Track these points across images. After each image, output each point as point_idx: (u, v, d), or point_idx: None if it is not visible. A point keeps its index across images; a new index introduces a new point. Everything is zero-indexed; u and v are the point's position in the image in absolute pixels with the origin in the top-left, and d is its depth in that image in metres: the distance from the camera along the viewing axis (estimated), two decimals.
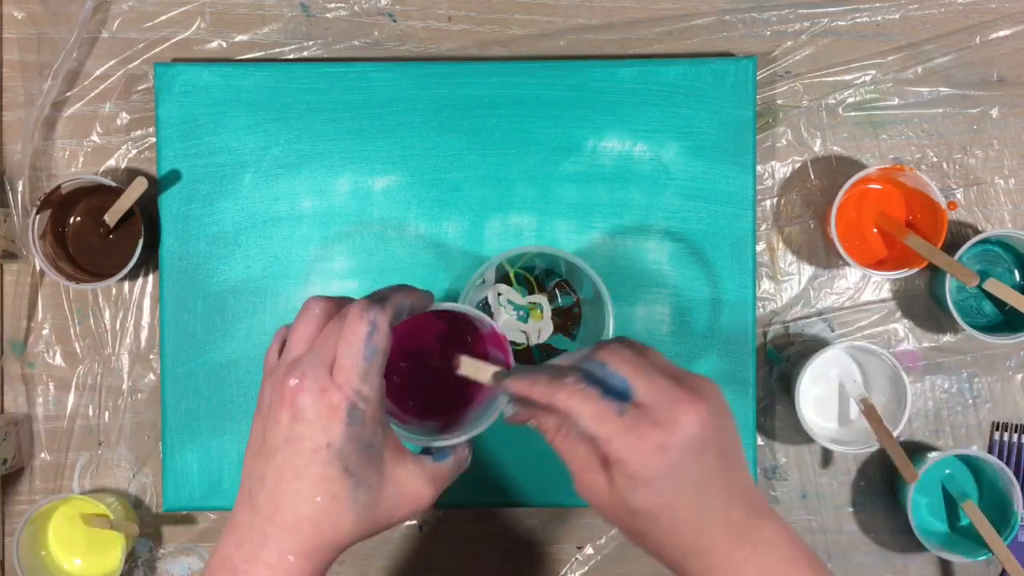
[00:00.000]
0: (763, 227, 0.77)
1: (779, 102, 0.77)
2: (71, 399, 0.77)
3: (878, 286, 0.77)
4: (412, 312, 0.50)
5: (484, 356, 0.55)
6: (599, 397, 0.47)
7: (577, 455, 0.49)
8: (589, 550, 0.77)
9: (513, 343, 0.72)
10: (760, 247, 0.77)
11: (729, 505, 0.48)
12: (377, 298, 0.48)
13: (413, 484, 0.50)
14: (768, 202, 0.77)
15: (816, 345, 0.75)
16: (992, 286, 0.70)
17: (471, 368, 0.52)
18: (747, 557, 0.47)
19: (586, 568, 0.77)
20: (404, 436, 0.52)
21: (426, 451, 0.52)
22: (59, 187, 0.72)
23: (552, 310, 0.71)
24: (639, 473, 0.46)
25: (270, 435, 0.48)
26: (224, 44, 0.77)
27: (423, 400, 0.57)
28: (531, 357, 0.72)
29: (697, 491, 0.47)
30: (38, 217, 0.72)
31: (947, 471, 0.76)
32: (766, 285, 0.77)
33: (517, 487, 0.74)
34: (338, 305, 0.50)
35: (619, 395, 0.47)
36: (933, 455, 0.73)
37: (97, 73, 0.77)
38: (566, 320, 0.73)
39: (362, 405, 0.47)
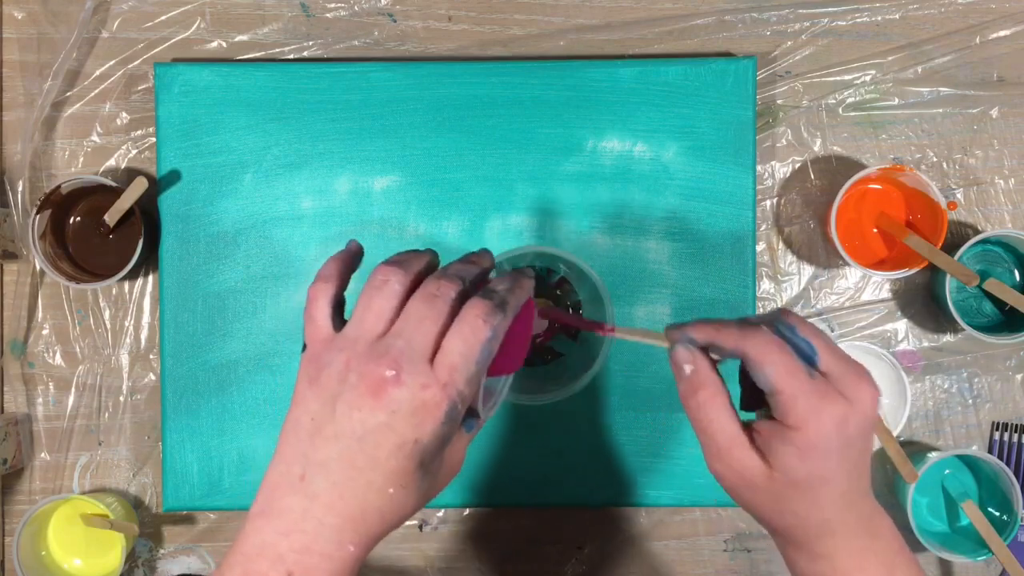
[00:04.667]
0: (763, 227, 0.77)
1: (779, 102, 0.77)
2: (71, 399, 0.77)
3: (878, 286, 0.77)
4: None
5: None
6: (793, 353, 0.46)
7: (729, 426, 0.47)
8: (589, 550, 0.77)
9: None
10: (760, 247, 0.77)
11: (862, 494, 0.48)
12: (498, 301, 0.46)
13: (456, 457, 0.49)
14: (768, 202, 0.77)
15: None
16: (992, 286, 0.70)
17: (628, 334, 0.52)
18: (867, 547, 0.49)
19: (586, 568, 0.77)
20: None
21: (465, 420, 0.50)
22: (59, 187, 0.72)
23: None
24: (815, 442, 0.45)
25: (343, 419, 0.44)
26: (224, 44, 0.77)
27: None
28: (530, 360, 0.72)
29: (852, 472, 0.47)
30: (38, 217, 0.72)
31: (947, 471, 0.76)
32: (766, 285, 0.77)
33: (517, 487, 0.74)
34: (413, 276, 0.47)
35: (805, 359, 0.46)
36: (933, 455, 0.73)
37: (97, 73, 0.77)
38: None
39: (460, 407, 0.44)
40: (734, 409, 0.48)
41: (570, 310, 0.72)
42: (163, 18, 0.77)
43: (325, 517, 0.44)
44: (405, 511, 0.46)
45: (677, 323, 0.50)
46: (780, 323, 0.48)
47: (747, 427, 0.47)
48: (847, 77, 0.77)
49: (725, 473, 0.48)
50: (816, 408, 0.45)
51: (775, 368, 0.45)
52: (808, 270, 0.78)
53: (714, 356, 0.50)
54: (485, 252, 0.51)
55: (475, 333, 0.44)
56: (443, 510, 0.77)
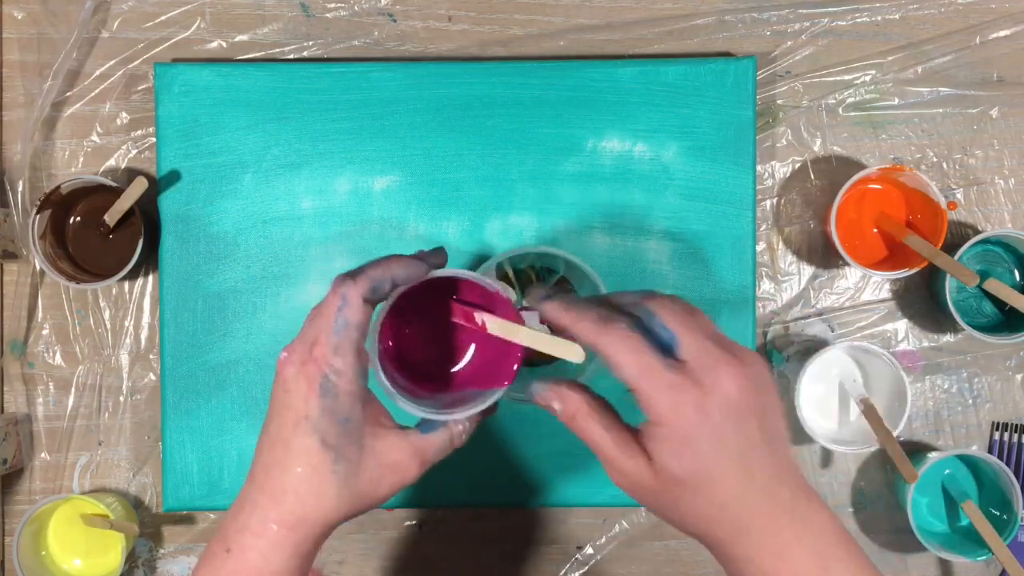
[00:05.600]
0: (763, 227, 0.77)
1: (779, 102, 0.77)
2: (71, 399, 0.77)
3: (878, 286, 0.77)
4: (406, 282, 0.49)
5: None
6: (648, 348, 0.45)
7: (606, 438, 0.48)
8: (589, 550, 0.77)
9: None
10: (760, 247, 0.77)
11: (775, 481, 0.45)
12: (351, 272, 0.48)
13: (395, 456, 0.49)
14: (768, 202, 0.77)
15: (816, 345, 0.75)
16: (992, 286, 0.70)
17: (499, 327, 0.51)
18: (795, 538, 0.45)
19: (586, 568, 0.77)
20: (407, 407, 0.51)
21: (422, 423, 0.51)
22: (59, 187, 0.72)
23: None
24: (679, 434, 0.44)
25: (268, 408, 0.49)
26: (224, 44, 0.77)
27: (442, 372, 0.56)
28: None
29: (741, 460, 0.45)
30: (38, 217, 0.72)
31: (947, 471, 0.76)
32: (766, 285, 0.77)
33: (517, 487, 0.74)
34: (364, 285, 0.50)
35: (664, 348, 0.46)
36: (933, 455, 0.73)
37: (97, 73, 0.77)
38: None
39: (334, 378, 0.47)
40: (610, 417, 0.48)
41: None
42: (163, 18, 0.77)
43: (256, 497, 0.49)
44: (323, 497, 0.47)
45: (539, 290, 0.50)
46: (640, 309, 0.47)
47: (634, 431, 0.47)
48: (847, 77, 0.77)
49: (619, 481, 0.48)
50: (672, 401, 0.44)
51: (629, 368, 0.45)
52: (808, 270, 0.78)
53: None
54: (420, 262, 0.51)
55: (328, 305, 0.47)
56: (443, 510, 0.77)
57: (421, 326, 0.56)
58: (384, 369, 0.50)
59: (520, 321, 0.52)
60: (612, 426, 0.48)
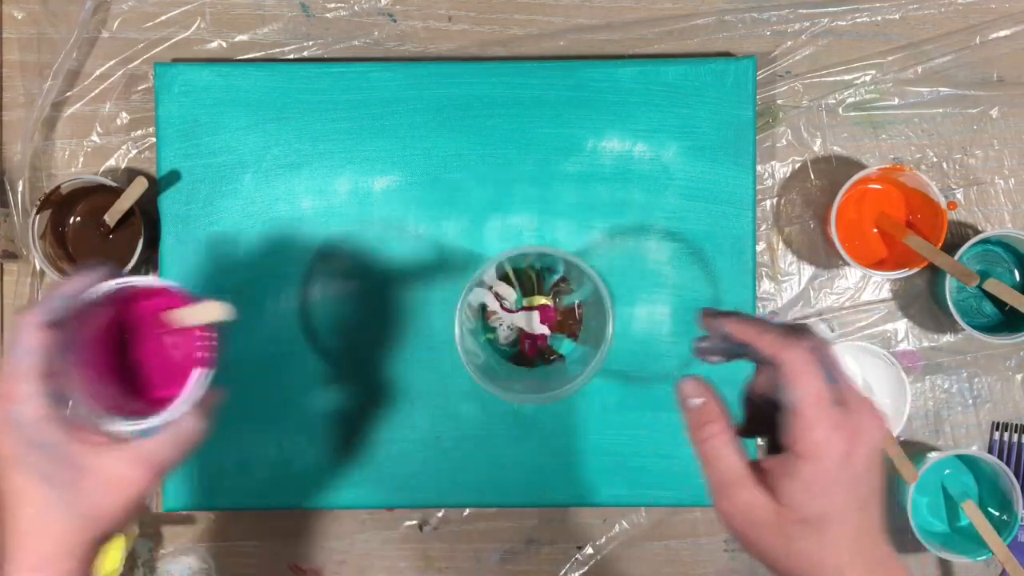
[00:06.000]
0: (763, 227, 0.77)
1: (779, 102, 0.77)
2: None
3: (878, 286, 0.77)
4: (79, 293, 0.49)
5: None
6: (823, 375, 0.44)
7: (731, 461, 0.46)
8: (589, 550, 0.77)
9: (511, 346, 0.72)
10: (760, 247, 0.77)
11: (877, 537, 0.47)
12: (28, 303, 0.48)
13: (117, 469, 0.49)
14: (768, 202, 0.77)
15: None
16: (992, 286, 0.70)
17: (190, 315, 0.52)
18: None
19: (586, 568, 0.77)
20: (107, 424, 0.51)
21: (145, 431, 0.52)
22: (59, 187, 0.72)
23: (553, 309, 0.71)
24: (824, 474, 0.44)
25: None
26: (224, 44, 0.77)
27: (144, 385, 0.57)
28: (528, 359, 0.72)
29: (862, 510, 0.45)
30: (38, 217, 0.72)
31: (947, 471, 0.76)
32: (766, 285, 0.77)
33: (517, 487, 0.74)
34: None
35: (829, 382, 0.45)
36: (933, 455, 0.73)
37: (97, 73, 0.77)
38: (567, 320, 0.73)
39: (21, 407, 0.47)
40: (742, 445, 0.47)
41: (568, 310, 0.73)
42: (163, 18, 0.77)
43: (8, 547, 0.48)
44: (52, 528, 0.47)
45: (714, 310, 0.49)
46: (814, 339, 0.46)
47: (753, 465, 0.47)
48: (847, 77, 0.77)
49: (732, 512, 0.47)
50: (827, 439, 0.44)
51: (807, 390, 0.44)
52: (808, 270, 0.78)
53: (711, 356, 0.49)
54: (88, 274, 0.51)
55: (10, 339, 0.48)
56: (443, 510, 0.77)
57: (139, 344, 0.56)
58: (84, 389, 0.50)
59: (187, 304, 0.53)
60: (743, 454, 0.47)
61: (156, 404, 0.53)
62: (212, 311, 0.52)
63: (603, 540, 0.77)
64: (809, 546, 0.45)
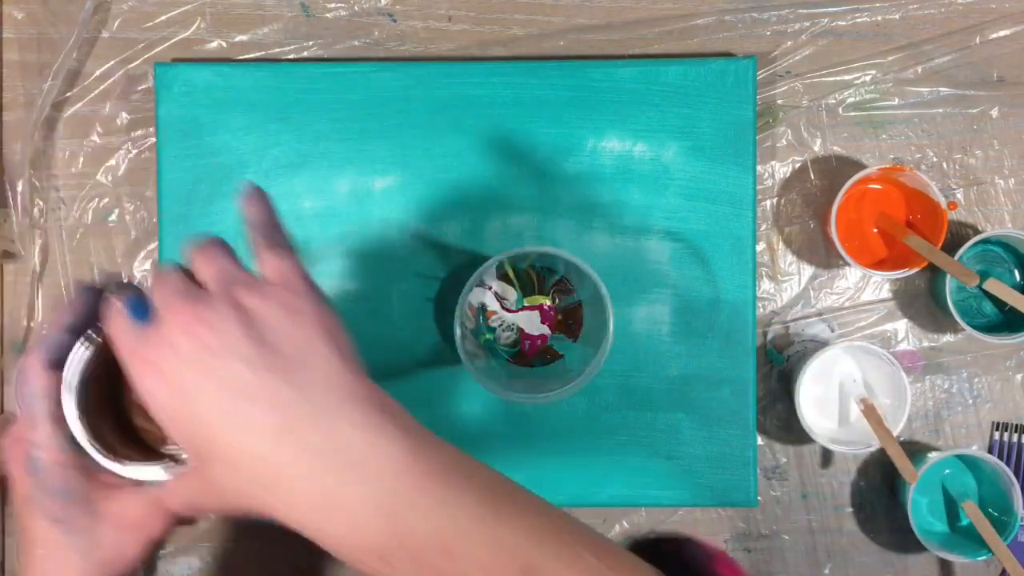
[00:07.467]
0: (763, 227, 0.77)
1: (779, 102, 0.77)
2: None
3: (878, 286, 0.77)
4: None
5: None
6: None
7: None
8: None
9: (511, 346, 0.72)
10: (760, 247, 0.77)
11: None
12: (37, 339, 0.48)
13: (133, 514, 0.48)
14: (768, 202, 0.77)
15: (816, 345, 0.75)
16: (992, 286, 0.70)
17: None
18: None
19: None
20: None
21: None
22: None
23: (553, 309, 0.71)
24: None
25: None
26: (224, 44, 0.77)
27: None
28: (529, 360, 0.72)
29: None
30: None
31: (947, 471, 0.76)
32: (766, 285, 0.77)
33: None
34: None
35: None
36: (933, 455, 0.73)
37: (97, 73, 0.77)
38: (567, 320, 0.73)
39: (37, 453, 0.47)
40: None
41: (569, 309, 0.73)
42: (163, 18, 0.77)
43: None
44: (58, 565, 0.47)
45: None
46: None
47: None
48: (847, 77, 0.77)
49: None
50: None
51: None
52: (808, 270, 0.78)
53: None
54: (84, 292, 0.50)
55: (16, 383, 0.48)
56: None
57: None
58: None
59: None
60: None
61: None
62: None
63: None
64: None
